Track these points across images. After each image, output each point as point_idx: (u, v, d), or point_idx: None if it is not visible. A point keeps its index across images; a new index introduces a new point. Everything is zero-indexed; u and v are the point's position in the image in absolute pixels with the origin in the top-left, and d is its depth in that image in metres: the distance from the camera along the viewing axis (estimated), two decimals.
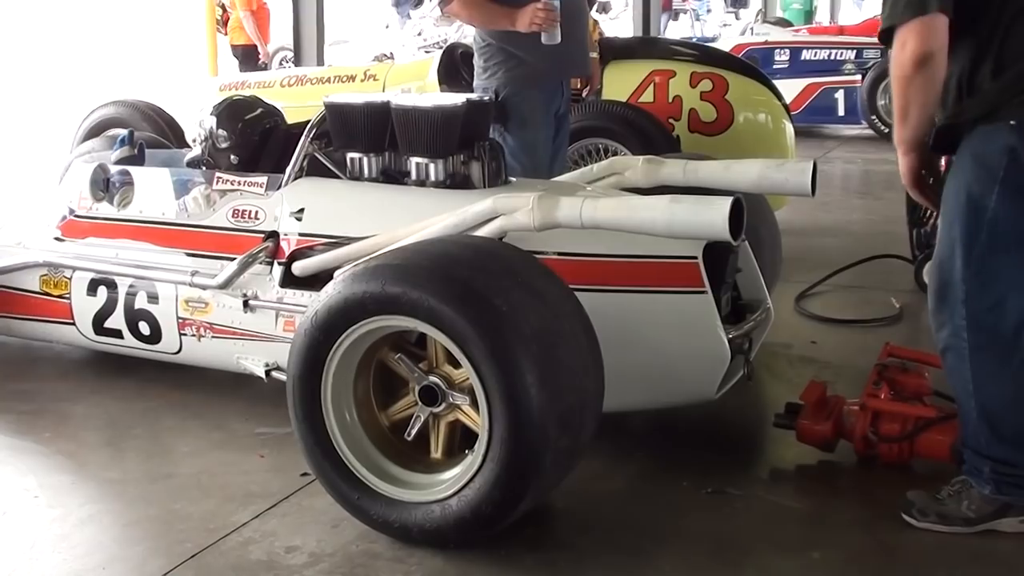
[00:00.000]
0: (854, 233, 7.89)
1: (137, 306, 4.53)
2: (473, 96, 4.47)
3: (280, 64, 15.78)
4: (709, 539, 3.44)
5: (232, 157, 4.57)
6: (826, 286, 6.22)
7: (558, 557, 3.32)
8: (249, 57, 14.19)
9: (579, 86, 6.14)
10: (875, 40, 13.50)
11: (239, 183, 4.43)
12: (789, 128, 7.39)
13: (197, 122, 4.75)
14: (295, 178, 4.35)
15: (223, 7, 14.84)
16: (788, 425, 3.98)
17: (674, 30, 22.45)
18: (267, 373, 4.26)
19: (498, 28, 5.24)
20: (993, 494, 3.37)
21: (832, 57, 13.40)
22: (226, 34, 14.58)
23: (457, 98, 4.31)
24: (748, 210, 3.47)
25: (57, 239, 4.79)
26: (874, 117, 12.65)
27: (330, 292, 3.32)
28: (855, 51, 13.30)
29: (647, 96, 7.29)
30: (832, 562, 3.29)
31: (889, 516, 3.56)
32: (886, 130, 12.47)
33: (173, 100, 8.49)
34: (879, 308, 5.83)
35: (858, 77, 12.99)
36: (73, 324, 4.73)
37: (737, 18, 23.89)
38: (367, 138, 4.32)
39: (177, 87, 10.42)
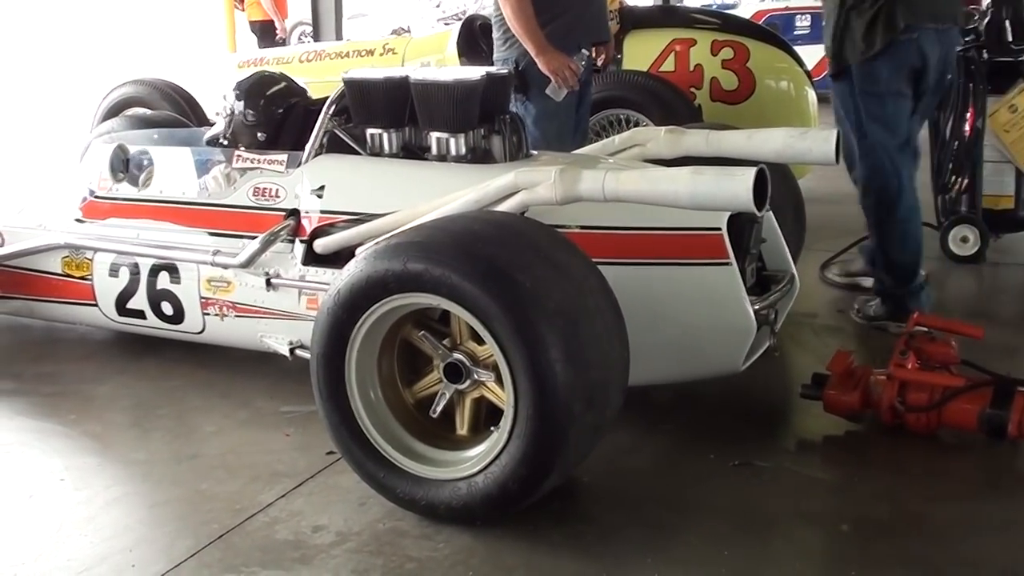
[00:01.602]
0: None
1: (159, 286, 4.53)
2: (493, 69, 4.43)
3: (298, 39, 15.75)
4: (736, 512, 3.42)
5: (259, 135, 4.54)
6: (851, 254, 6.16)
7: (585, 531, 3.31)
8: (267, 32, 14.15)
9: (593, 55, 6.11)
10: None
11: (259, 161, 4.41)
12: (812, 95, 7.34)
13: (221, 96, 4.72)
14: (315, 155, 4.33)
15: None
16: (815, 396, 3.96)
17: None
18: (291, 351, 4.26)
19: (525, 42, 5.23)
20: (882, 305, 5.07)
21: None
22: (243, 10, 14.54)
23: (477, 71, 4.28)
24: (771, 179, 3.43)
25: (78, 220, 4.78)
26: None
27: (352, 270, 3.31)
28: None
29: (668, 65, 7.25)
30: (861, 534, 3.27)
31: (918, 486, 3.55)
32: None
33: (192, 78, 8.48)
34: None
35: None
36: (96, 305, 4.74)
37: None
38: (387, 113, 4.30)
39: (196, 65, 10.41)
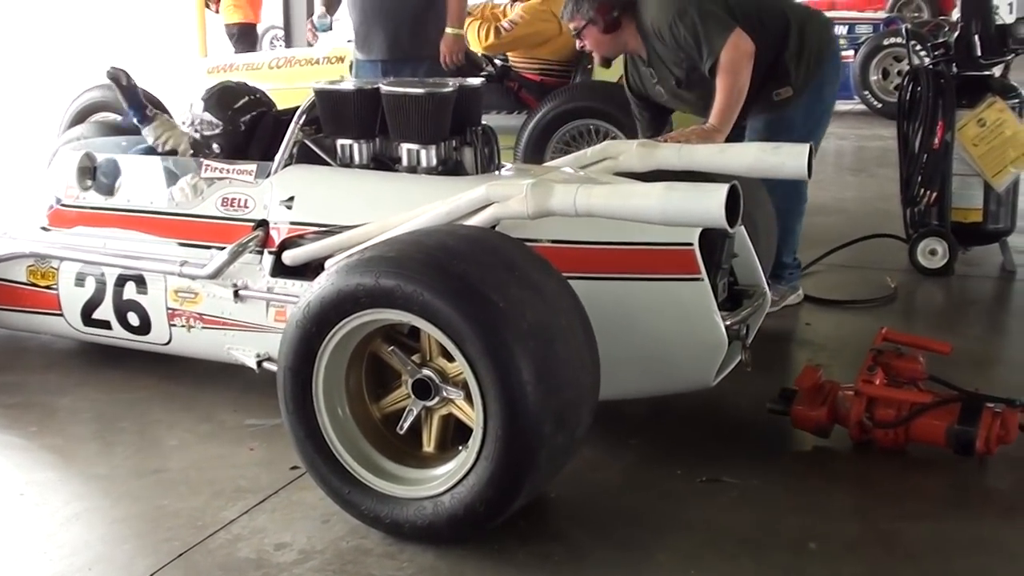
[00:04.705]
0: (848, 211, 7.85)
1: (126, 296, 4.48)
2: (466, 81, 4.40)
3: (270, 44, 15.65)
4: (705, 529, 3.40)
5: (215, 146, 4.50)
6: (820, 266, 6.20)
7: (552, 550, 3.28)
8: (244, 36, 13.81)
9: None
10: (868, 15, 13.45)
11: (228, 171, 4.37)
12: None
13: (188, 106, 4.68)
14: (285, 165, 4.29)
15: None
16: (783, 411, 3.95)
17: None
18: (258, 364, 4.21)
19: None
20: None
21: None
22: (217, 11, 14.28)
23: (448, 83, 4.25)
24: (743, 194, 3.41)
25: (44, 228, 4.73)
26: (867, 92, 12.65)
27: (323, 284, 3.26)
28: (847, 27, 13.23)
29: None
30: (829, 552, 3.26)
31: (886, 503, 3.55)
32: (879, 105, 12.47)
33: (162, 83, 8.42)
34: (874, 288, 5.80)
35: (851, 52, 12.93)
36: (61, 315, 4.68)
37: None
38: (357, 124, 4.26)
39: (166, 70, 10.35)
